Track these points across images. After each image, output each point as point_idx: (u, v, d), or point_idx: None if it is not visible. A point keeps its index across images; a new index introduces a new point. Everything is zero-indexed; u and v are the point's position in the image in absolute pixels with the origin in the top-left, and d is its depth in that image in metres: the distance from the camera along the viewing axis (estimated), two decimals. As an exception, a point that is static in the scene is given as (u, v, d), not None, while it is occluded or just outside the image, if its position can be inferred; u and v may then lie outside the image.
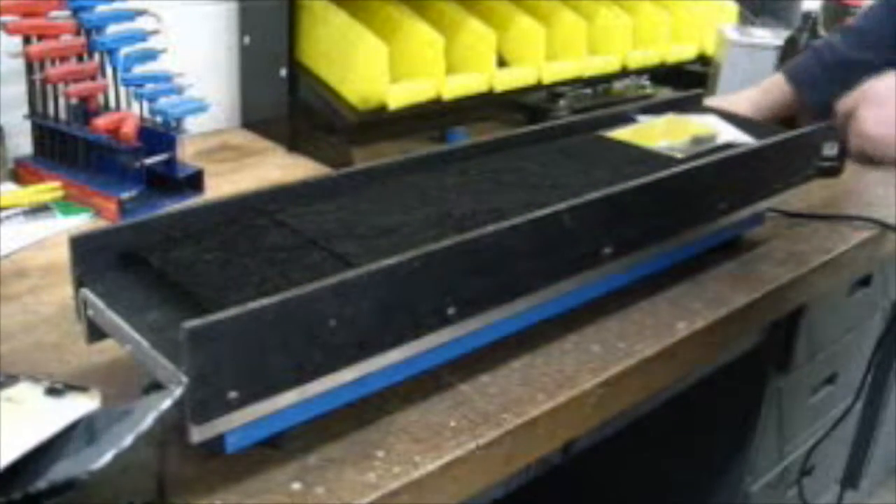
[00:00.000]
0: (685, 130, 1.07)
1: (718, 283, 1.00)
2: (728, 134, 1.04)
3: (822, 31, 1.31)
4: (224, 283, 0.68)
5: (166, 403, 0.57)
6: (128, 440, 0.56)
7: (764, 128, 1.08)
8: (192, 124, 1.15)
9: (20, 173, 1.13)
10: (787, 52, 1.22)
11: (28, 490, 0.55)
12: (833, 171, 1.34)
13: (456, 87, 1.33)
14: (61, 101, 1.11)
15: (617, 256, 0.85)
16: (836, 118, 1.05)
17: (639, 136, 1.04)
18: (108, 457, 0.55)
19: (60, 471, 0.56)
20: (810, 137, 1.05)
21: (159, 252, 0.72)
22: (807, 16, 1.22)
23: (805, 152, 1.06)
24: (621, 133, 1.06)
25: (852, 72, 1.08)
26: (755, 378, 1.26)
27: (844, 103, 1.04)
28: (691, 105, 1.19)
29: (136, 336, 0.64)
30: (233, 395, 0.59)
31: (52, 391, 0.63)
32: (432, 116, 1.36)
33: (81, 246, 0.70)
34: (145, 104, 1.13)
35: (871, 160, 1.02)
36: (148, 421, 0.57)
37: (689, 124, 1.09)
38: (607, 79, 1.58)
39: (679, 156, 0.96)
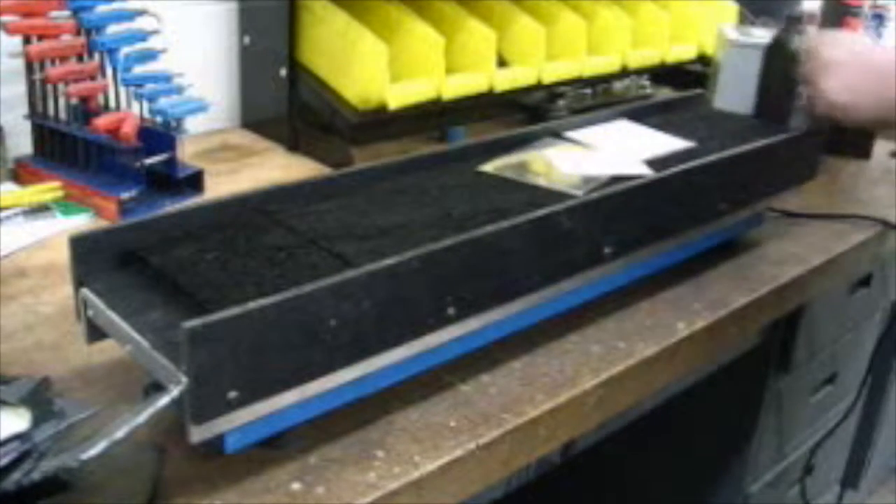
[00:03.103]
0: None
1: (718, 283, 1.00)
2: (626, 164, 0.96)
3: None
4: (224, 282, 0.68)
5: (163, 401, 0.58)
6: (121, 432, 0.56)
7: (760, 128, 1.08)
8: (192, 124, 1.15)
9: (20, 173, 1.13)
10: (773, 56, 1.19)
11: (22, 482, 0.55)
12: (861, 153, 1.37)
13: (456, 87, 1.33)
14: (61, 101, 1.11)
15: (617, 256, 0.85)
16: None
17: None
18: (100, 447, 0.55)
19: (54, 463, 0.56)
20: (809, 138, 1.05)
21: (159, 252, 0.72)
22: (791, 17, 1.18)
23: (805, 152, 1.06)
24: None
25: None
26: (755, 378, 1.26)
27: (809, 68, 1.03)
28: (692, 105, 1.19)
29: (136, 336, 0.64)
30: (232, 395, 0.59)
31: None
32: (432, 116, 1.36)
33: (81, 246, 0.70)
34: (145, 104, 1.13)
35: (841, 124, 1.04)
36: (143, 416, 0.57)
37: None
38: (607, 79, 1.58)
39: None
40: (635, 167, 0.94)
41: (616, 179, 0.90)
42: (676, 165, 0.91)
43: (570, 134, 1.03)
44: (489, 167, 0.92)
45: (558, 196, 0.85)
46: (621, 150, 1.00)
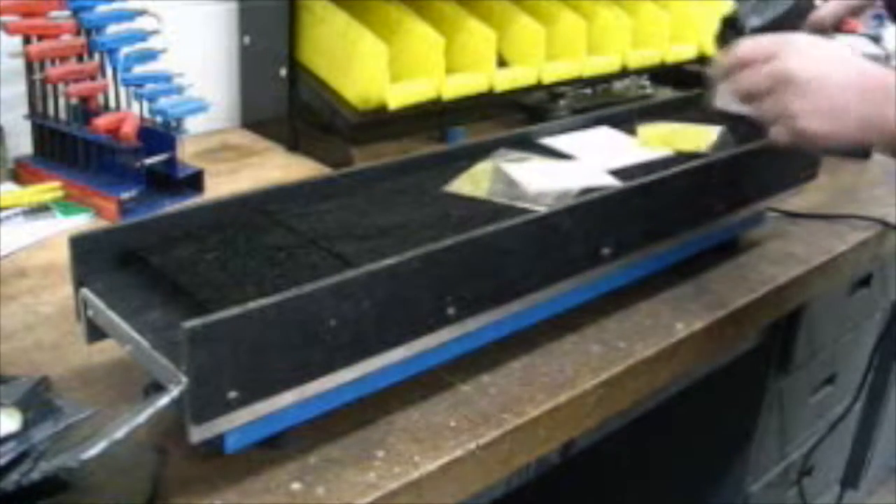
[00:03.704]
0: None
1: (718, 283, 1.00)
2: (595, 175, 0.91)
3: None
4: (224, 282, 0.68)
5: (163, 401, 0.58)
6: (121, 433, 0.56)
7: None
8: (192, 124, 1.15)
9: (20, 173, 1.13)
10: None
11: (21, 482, 0.55)
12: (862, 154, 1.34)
13: (456, 87, 1.33)
14: (61, 101, 1.11)
15: (616, 257, 0.85)
16: (729, 86, 0.84)
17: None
18: (100, 447, 0.55)
19: (54, 463, 0.56)
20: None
21: (159, 252, 0.72)
22: None
23: (805, 152, 1.06)
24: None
25: None
26: (755, 378, 1.26)
27: (755, 78, 0.81)
28: (691, 106, 1.19)
29: (136, 336, 0.64)
30: (232, 395, 0.59)
31: None
32: (432, 116, 1.36)
33: (81, 246, 0.70)
34: (145, 104, 1.13)
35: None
36: (143, 416, 0.57)
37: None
38: (607, 79, 1.58)
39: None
40: (600, 178, 0.91)
41: (583, 192, 0.85)
42: (647, 175, 0.88)
43: (549, 141, 1.02)
44: (454, 187, 0.88)
45: (521, 212, 0.80)
46: (597, 157, 0.98)
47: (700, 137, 1.04)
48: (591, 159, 0.97)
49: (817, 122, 0.78)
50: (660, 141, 1.03)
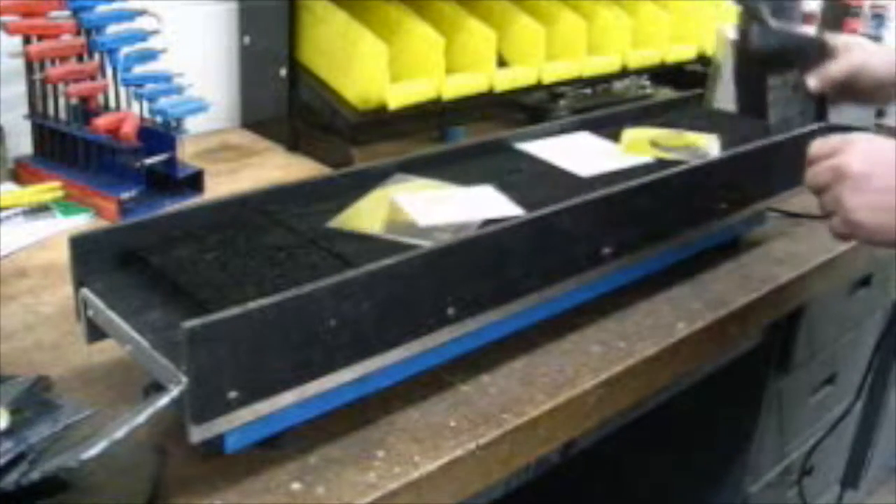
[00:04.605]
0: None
1: (718, 283, 1.00)
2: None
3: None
4: (224, 282, 0.68)
5: (163, 401, 0.58)
6: (121, 432, 0.56)
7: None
8: (192, 124, 1.15)
9: (20, 173, 1.13)
10: (739, 48, 1.12)
11: (21, 482, 0.55)
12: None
13: (456, 87, 1.33)
14: (61, 101, 1.11)
15: (616, 257, 0.85)
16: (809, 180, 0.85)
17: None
18: (100, 447, 0.55)
19: (54, 463, 0.56)
20: (810, 138, 1.05)
21: (159, 252, 0.72)
22: (747, 6, 1.09)
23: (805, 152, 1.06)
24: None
25: None
26: (755, 378, 1.26)
27: (818, 172, 0.83)
28: (691, 105, 1.19)
29: (136, 336, 0.64)
30: (233, 395, 0.59)
31: None
32: (432, 116, 1.36)
33: (81, 246, 0.70)
34: (145, 104, 1.13)
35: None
36: (143, 416, 0.57)
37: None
38: (607, 79, 1.58)
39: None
40: (504, 208, 0.84)
41: (485, 224, 0.79)
42: (620, 184, 0.85)
43: (523, 146, 1.01)
44: (338, 223, 0.79)
45: (406, 247, 0.74)
46: (573, 164, 0.96)
47: (686, 143, 1.03)
48: (569, 165, 0.96)
49: (869, 216, 0.79)
50: (643, 147, 1.01)
